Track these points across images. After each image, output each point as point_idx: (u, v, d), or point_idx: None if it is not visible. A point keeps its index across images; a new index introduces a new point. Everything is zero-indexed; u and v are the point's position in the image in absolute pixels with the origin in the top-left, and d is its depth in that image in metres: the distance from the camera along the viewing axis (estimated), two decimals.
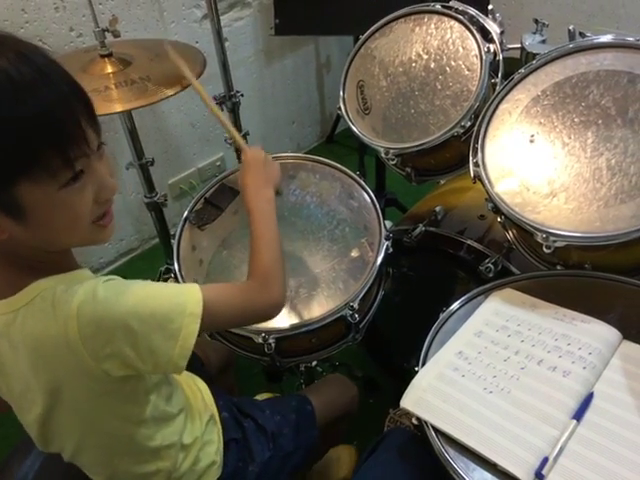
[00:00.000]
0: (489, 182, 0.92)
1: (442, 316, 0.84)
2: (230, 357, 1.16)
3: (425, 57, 1.12)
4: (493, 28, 1.07)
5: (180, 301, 0.65)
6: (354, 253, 1.03)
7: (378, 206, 1.07)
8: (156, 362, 0.64)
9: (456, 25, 1.09)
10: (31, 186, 0.56)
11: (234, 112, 1.64)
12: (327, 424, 0.99)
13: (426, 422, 0.70)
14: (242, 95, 1.64)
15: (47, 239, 0.61)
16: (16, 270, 0.62)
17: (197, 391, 0.88)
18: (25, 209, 0.57)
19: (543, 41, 1.13)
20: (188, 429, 0.80)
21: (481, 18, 1.09)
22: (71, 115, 0.57)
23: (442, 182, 1.40)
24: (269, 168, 0.94)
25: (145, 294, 0.64)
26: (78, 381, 0.63)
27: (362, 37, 1.20)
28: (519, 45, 1.12)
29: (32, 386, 0.64)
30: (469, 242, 1.14)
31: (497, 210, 0.91)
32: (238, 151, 1.57)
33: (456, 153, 1.09)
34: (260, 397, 1.39)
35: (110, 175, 0.63)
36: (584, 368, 0.72)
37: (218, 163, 2.22)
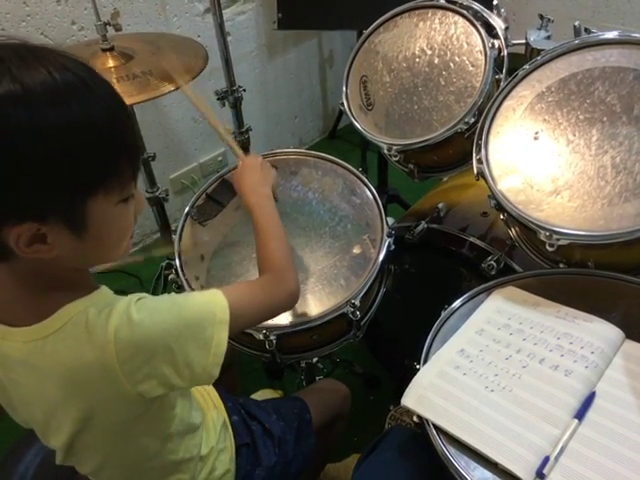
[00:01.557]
0: (492, 179, 0.91)
1: (444, 314, 0.84)
2: (233, 355, 1.16)
3: (429, 52, 1.11)
4: (498, 23, 1.06)
5: (209, 309, 0.65)
6: (356, 250, 1.03)
7: (380, 203, 1.06)
8: (192, 374, 0.63)
9: (460, 20, 1.09)
10: (103, 197, 0.55)
11: (236, 107, 1.63)
12: (322, 427, 0.99)
13: (427, 420, 0.70)
14: (244, 90, 1.63)
15: (95, 255, 0.60)
16: (42, 294, 0.59)
17: (207, 397, 0.88)
18: (88, 222, 0.55)
19: (548, 37, 1.12)
20: (204, 440, 0.80)
21: (486, 13, 1.08)
22: (131, 125, 0.58)
23: (445, 179, 1.39)
24: (265, 171, 0.97)
25: (177, 309, 0.63)
26: (111, 406, 0.62)
27: (365, 32, 1.19)
28: (524, 41, 1.10)
29: (59, 414, 0.62)
30: (471, 239, 1.13)
31: (500, 207, 0.91)
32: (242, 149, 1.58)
33: (459, 150, 1.09)
34: (262, 393, 1.39)
35: None
36: (586, 367, 0.72)
37: (220, 158, 2.22)
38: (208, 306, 0.65)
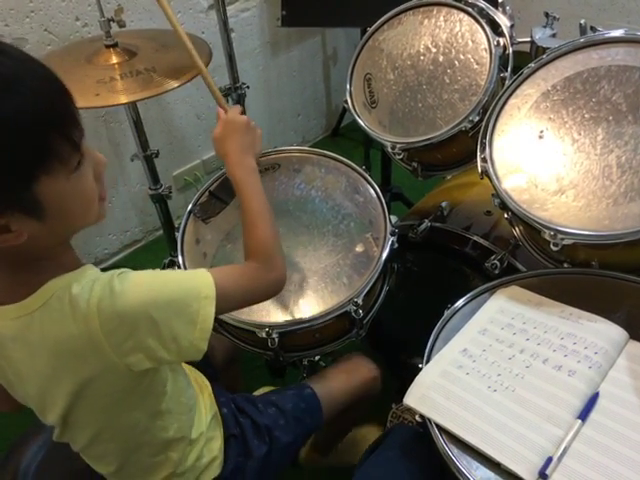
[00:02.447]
0: (497, 178, 0.91)
1: (447, 313, 0.84)
2: (235, 351, 1.16)
3: (434, 50, 1.10)
4: (503, 21, 1.06)
5: (193, 285, 0.66)
6: (359, 248, 1.03)
7: (383, 201, 1.06)
8: (179, 348, 0.64)
9: (465, 18, 1.08)
10: (48, 179, 0.55)
11: (239, 104, 1.63)
12: (343, 408, 0.98)
13: (429, 420, 0.69)
14: (248, 87, 1.63)
15: (65, 230, 0.61)
16: (27, 271, 0.61)
17: (204, 386, 0.88)
18: (44, 205, 0.56)
19: (553, 35, 1.11)
20: (195, 424, 0.80)
21: (491, 11, 1.07)
22: (63, 97, 0.57)
23: (448, 177, 1.39)
24: (251, 134, 0.91)
25: (160, 282, 0.64)
26: (101, 379, 0.63)
27: (370, 29, 1.19)
28: (529, 39, 1.10)
29: (51, 389, 0.64)
30: (475, 238, 1.13)
31: (504, 206, 0.90)
32: None
33: (463, 148, 1.08)
34: (263, 390, 1.39)
35: None
36: (590, 367, 0.71)
37: None
38: (192, 282, 0.66)
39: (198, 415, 0.82)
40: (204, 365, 0.96)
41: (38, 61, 0.57)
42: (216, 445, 0.84)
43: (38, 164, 0.54)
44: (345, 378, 1.00)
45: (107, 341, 0.59)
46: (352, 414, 1.05)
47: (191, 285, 0.66)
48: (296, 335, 0.95)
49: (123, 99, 1.13)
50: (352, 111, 1.16)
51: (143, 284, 0.62)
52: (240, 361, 1.23)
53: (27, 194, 0.54)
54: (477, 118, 1.00)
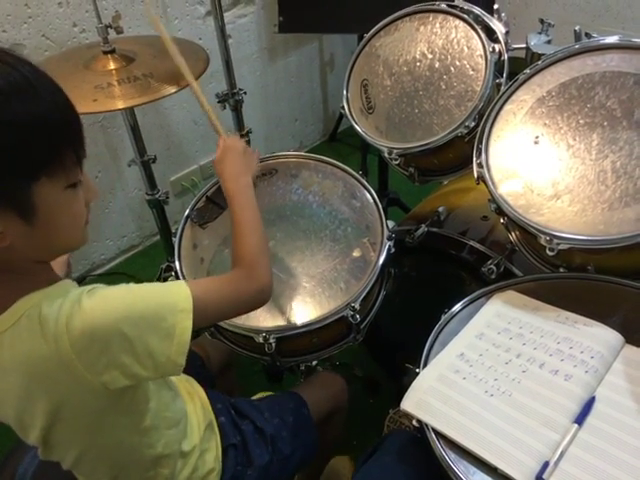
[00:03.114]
0: (493, 183, 0.91)
1: (444, 318, 0.84)
2: (231, 356, 1.16)
3: (430, 56, 1.11)
4: (498, 28, 1.07)
5: (169, 299, 0.64)
6: (356, 253, 1.03)
7: (380, 206, 1.06)
8: (155, 364, 0.62)
9: (461, 24, 1.09)
10: (47, 183, 0.56)
11: (237, 110, 1.64)
12: (320, 420, 0.99)
13: (427, 424, 0.69)
14: (245, 93, 1.63)
15: (49, 242, 0.61)
16: (0, 288, 0.60)
17: (195, 397, 0.87)
18: (37, 208, 0.56)
19: (548, 41, 1.12)
20: (187, 437, 0.79)
21: (486, 17, 1.08)
22: (76, 117, 0.60)
23: (445, 182, 1.39)
24: (248, 157, 0.96)
25: (132, 297, 0.62)
26: (77, 398, 0.62)
27: (367, 35, 1.19)
28: (524, 45, 1.11)
29: (28, 409, 0.62)
30: (471, 243, 1.13)
31: (500, 211, 0.91)
32: None
33: (460, 153, 1.09)
34: (261, 395, 1.38)
35: None
36: (586, 372, 0.72)
37: None
38: (167, 296, 0.65)
39: (190, 427, 0.80)
40: (200, 371, 0.96)
41: (55, 82, 0.59)
42: (211, 456, 0.83)
43: (43, 165, 0.56)
44: (316, 391, 1.03)
45: (79, 360, 0.58)
46: (328, 428, 1.05)
47: (166, 298, 0.64)
48: (293, 340, 0.95)
49: (120, 105, 1.13)
50: (349, 117, 1.17)
51: (114, 299, 0.61)
52: (235, 365, 1.23)
53: (26, 192, 0.55)
54: (473, 124, 1.01)
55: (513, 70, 1.03)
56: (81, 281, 1.83)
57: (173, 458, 0.77)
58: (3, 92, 0.52)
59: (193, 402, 0.85)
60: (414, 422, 0.71)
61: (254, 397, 1.38)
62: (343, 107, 1.18)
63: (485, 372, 0.75)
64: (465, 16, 1.08)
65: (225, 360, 1.13)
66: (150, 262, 2.01)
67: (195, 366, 1.01)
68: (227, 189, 0.89)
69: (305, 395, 1.00)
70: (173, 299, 0.64)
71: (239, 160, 0.93)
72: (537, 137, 0.92)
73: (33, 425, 0.64)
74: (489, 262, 1.04)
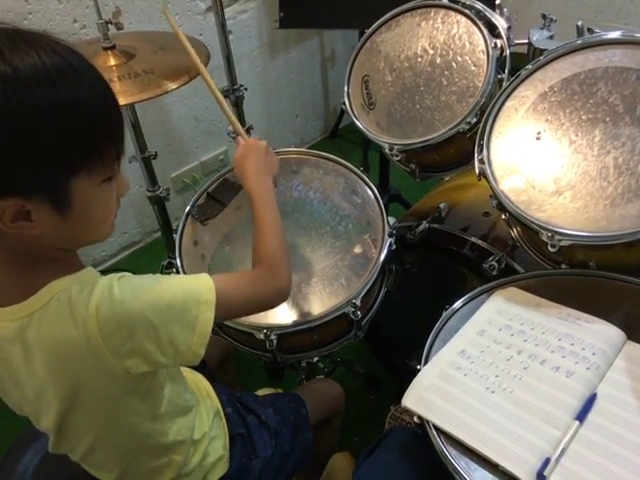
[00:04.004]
0: (494, 179, 0.91)
1: (445, 314, 0.84)
2: (229, 350, 1.16)
3: (431, 52, 1.11)
4: (500, 23, 1.06)
5: (194, 290, 0.65)
6: (357, 249, 1.03)
7: (382, 203, 1.06)
8: (176, 352, 0.64)
9: (463, 20, 1.08)
10: (86, 179, 0.56)
11: (238, 106, 1.63)
12: (317, 425, 0.99)
13: (427, 421, 0.69)
14: (246, 89, 1.63)
15: (79, 235, 0.61)
16: (29, 272, 0.60)
17: (201, 386, 0.88)
18: (72, 202, 0.56)
19: (551, 37, 1.11)
20: (197, 425, 0.80)
21: (488, 13, 1.07)
22: (119, 111, 0.59)
23: (446, 178, 1.39)
24: (269, 158, 0.94)
25: (160, 287, 0.63)
26: (98, 381, 0.63)
27: (368, 31, 1.19)
28: (526, 40, 1.10)
29: (47, 392, 0.63)
30: (473, 239, 1.13)
31: (502, 207, 0.90)
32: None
33: (461, 149, 1.08)
34: (262, 392, 1.39)
35: None
36: (587, 369, 0.71)
37: (221, 157, 2.21)
38: (192, 287, 0.66)
39: (199, 415, 0.82)
40: (200, 367, 0.96)
41: (93, 65, 0.59)
42: (220, 444, 0.84)
43: (85, 160, 0.56)
44: (313, 395, 1.03)
45: (105, 344, 0.59)
46: (325, 433, 1.06)
47: (191, 290, 0.65)
48: (294, 337, 0.95)
49: (121, 101, 1.13)
50: (350, 113, 1.16)
51: (143, 288, 0.62)
52: (233, 360, 1.23)
53: (64, 186, 0.55)
54: (475, 120, 1.00)
55: (515, 66, 1.03)
56: None
57: (186, 445, 0.78)
58: (50, 77, 0.52)
59: (200, 393, 0.86)
60: (415, 419, 0.71)
61: (256, 393, 1.38)
62: (344, 103, 1.18)
63: (486, 369, 0.74)
64: (467, 11, 1.08)
65: (223, 356, 1.14)
66: (151, 259, 2.01)
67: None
68: (250, 189, 0.88)
69: (304, 398, 1.00)
70: (198, 291, 0.65)
71: (260, 159, 0.91)
72: (539, 133, 0.92)
73: (49, 409, 0.65)
74: (490, 258, 1.04)
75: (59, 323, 0.59)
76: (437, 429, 0.68)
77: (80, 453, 0.72)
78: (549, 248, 0.83)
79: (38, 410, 0.67)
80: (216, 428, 0.84)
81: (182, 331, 0.63)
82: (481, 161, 0.93)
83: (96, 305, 0.58)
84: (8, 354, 0.62)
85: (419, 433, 0.72)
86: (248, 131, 1.67)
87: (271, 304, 0.79)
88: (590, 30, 0.98)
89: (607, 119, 0.87)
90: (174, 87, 1.15)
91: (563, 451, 0.64)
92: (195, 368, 0.92)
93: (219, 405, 0.88)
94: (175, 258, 1.01)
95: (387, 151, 1.10)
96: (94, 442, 0.70)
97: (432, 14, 1.12)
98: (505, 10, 1.08)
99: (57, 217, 0.56)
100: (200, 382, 0.90)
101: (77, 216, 0.58)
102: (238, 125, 0.99)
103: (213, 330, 0.99)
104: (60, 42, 0.55)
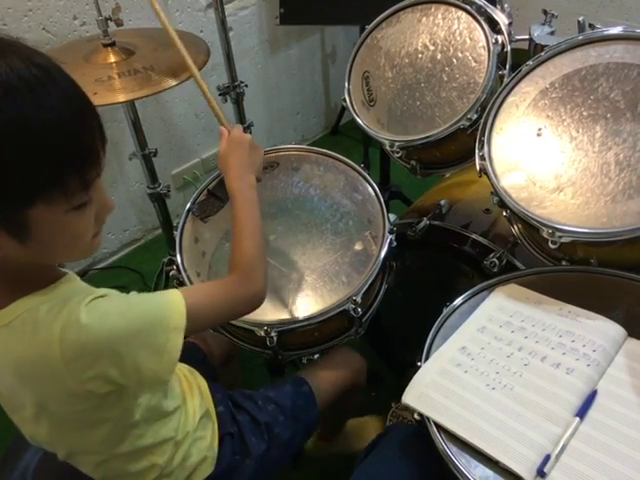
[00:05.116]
0: (495, 176, 0.91)
1: (445, 311, 0.84)
2: (233, 348, 1.16)
3: (432, 48, 1.10)
4: (501, 19, 1.06)
5: (164, 315, 0.64)
6: (357, 246, 1.02)
7: (382, 200, 1.06)
8: (140, 378, 0.63)
9: (463, 16, 1.08)
10: (44, 207, 0.52)
11: (238, 103, 1.63)
12: (335, 399, 0.98)
13: (428, 418, 0.69)
14: (246, 85, 1.63)
15: (44, 258, 0.60)
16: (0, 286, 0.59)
17: (195, 387, 0.87)
18: (31, 230, 0.54)
19: (552, 32, 1.11)
20: (180, 425, 0.79)
21: (489, 8, 1.07)
22: (88, 129, 0.54)
23: (447, 175, 1.38)
24: (253, 153, 0.92)
25: (130, 315, 0.62)
26: (62, 399, 0.62)
27: (368, 27, 1.18)
28: (527, 36, 1.10)
29: (20, 401, 0.64)
30: (474, 236, 1.13)
31: (503, 204, 0.90)
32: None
33: (462, 146, 1.08)
34: None
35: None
36: (588, 365, 0.71)
37: None
38: (164, 311, 0.64)
39: (184, 417, 0.80)
40: (202, 365, 0.96)
41: (75, 86, 0.53)
42: (204, 444, 0.82)
43: (40, 190, 0.51)
44: (334, 370, 1.01)
45: (66, 368, 0.58)
46: (346, 402, 1.06)
47: (161, 315, 0.64)
48: (295, 334, 0.95)
49: (121, 98, 1.13)
50: (350, 109, 1.16)
51: (112, 315, 0.60)
52: (238, 358, 1.23)
53: (18, 215, 0.52)
54: (475, 116, 1.00)
55: (516, 62, 1.02)
56: (83, 275, 1.83)
57: (167, 445, 0.77)
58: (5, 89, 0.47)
59: (191, 392, 0.85)
60: (415, 416, 0.71)
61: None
62: (344, 100, 1.17)
63: (487, 365, 0.75)
64: (467, 7, 1.07)
65: (227, 352, 1.14)
66: (152, 256, 2.01)
67: (197, 360, 1.01)
68: (231, 188, 0.88)
69: (317, 372, 0.99)
70: (167, 316, 0.64)
71: (245, 156, 0.90)
72: (540, 129, 0.91)
73: (24, 405, 0.64)
74: (491, 255, 1.04)
75: (20, 343, 0.58)
76: (437, 426, 0.68)
77: (62, 455, 0.72)
78: (550, 245, 0.83)
79: (12, 404, 0.67)
80: (202, 429, 0.83)
81: (149, 357, 0.62)
82: (482, 157, 0.93)
83: (60, 329, 0.57)
84: None
85: (420, 430, 0.72)
86: (248, 127, 1.67)
87: (246, 310, 0.79)
88: (591, 26, 0.97)
89: (608, 115, 0.87)
90: (174, 84, 1.15)
91: (563, 448, 0.64)
92: (197, 366, 0.92)
93: (211, 405, 0.87)
94: (176, 255, 1.01)
95: (387, 148, 1.09)
96: (70, 448, 0.70)
97: (433, 10, 1.12)
98: (506, 6, 1.07)
99: (15, 243, 0.54)
100: (194, 381, 0.89)
101: (39, 242, 0.55)
102: (221, 113, 0.98)
103: (214, 328, 1.00)
104: (27, 55, 0.50)
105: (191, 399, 0.84)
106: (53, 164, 0.51)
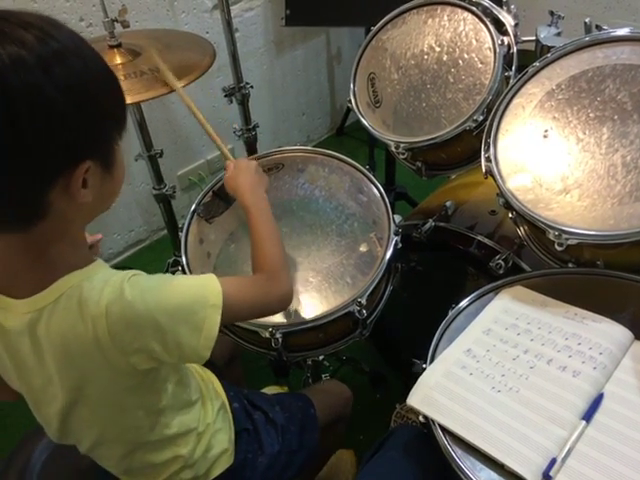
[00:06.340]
0: (501, 177, 0.91)
1: (451, 313, 0.83)
2: (236, 349, 1.17)
3: (438, 49, 1.10)
4: (507, 20, 1.05)
5: (202, 293, 0.66)
6: (363, 248, 1.02)
7: (387, 201, 1.06)
8: (181, 354, 0.65)
9: (469, 17, 1.08)
10: (122, 132, 0.62)
11: (244, 104, 1.63)
12: (324, 427, 1.00)
13: (433, 420, 0.69)
14: (252, 87, 1.63)
15: (108, 197, 0.64)
16: (41, 265, 0.61)
17: (208, 381, 0.89)
18: (115, 161, 0.61)
19: (558, 34, 1.11)
20: (202, 417, 0.81)
21: (495, 10, 1.07)
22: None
23: (453, 177, 1.38)
24: (260, 174, 0.98)
25: (169, 289, 0.64)
26: (104, 376, 0.64)
27: (374, 29, 1.18)
28: (534, 37, 1.09)
29: (54, 383, 0.65)
30: (479, 238, 1.12)
31: (508, 206, 0.90)
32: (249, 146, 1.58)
33: (468, 147, 1.08)
34: (268, 390, 1.39)
35: None
36: (594, 368, 0.71)
37: None
38: (201, 290, 0.67)
39: (204, 408, 0.82)
40: (206, 365, 0.96)
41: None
42: (225, 437, 0.84)
43: (124, 115, 0.62)
44: (328, 394, 1.05)
45: (113, 342, 0.60)
46: (331, 433, 1.06)
47: (199, 292, 0.66)
48: (300, 335, 0.95)
49: (127, 100, 1.11)
50: (356, 111, 1.16)
51: (152, 290, 0.63)
52: (241, 358, 1.23)
53: (112, 144, 0.61)
54: (481, 117, 1.00)
55: (522, 63, 1.02)
56: None
57: (192, 436, 0.79)
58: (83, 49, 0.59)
59: (206, 385, 0.87)
60: (420, 418, 0.71)
61: (262, 391, 1.39)
62: (350, 101, 1.17)
63: (492, 368, 0.74)
64: (473, 8, 1.07)
65: (230, 353, 1.14)
66: (157, 256, 2.02)
67: None
68: (244, 202, 0.90)
69: (317, 396, 1.01)
70: (205, 293, 0.66)
71: (252, 176, 0.94)
72: (546, 131, 0.91)
73: (55, 397, 0.66)
74: (497, 257, 1.04)
75: (68, 319, 0.60)
76: (442, 428, 0.68)
77: (86, 446, 0.73)
78: (556, 247, 0.82)
79: (43, 397, 0.68)
80: (221, 421, 0.85)
81: (189, 334, 0.64)
82: (488, 159, 0.93)
83: (106, 304, 0.59)
84: (16, 344, 0.63)
85: (424, 432, 0.72)
86: (255, 129, 1.68)
87: (272, 310, 0.81)
88: (598, 27, 0.97)
89: (615, 117, 0.86)
90: (180, 86, 1.15)
91: (569, 451, 0.63)
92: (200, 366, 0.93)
93: (225, 400, 0.89)
94: (181, 256, 1.01)
95: (393, 149, 1.09)
96: (99, 435, 0.71)
97: (438, 11, 1.11)
98: (512, 7, 1.07)
99: (101, 179, 0.60)
100: (208, 378, 0.90)
101: (113, 176, 0.62)
102: (225, 150, 1.03)
103: (220, 328, 1.00)
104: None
105: (207, 392, 0.85)
106: (123, 96, 0.62)
